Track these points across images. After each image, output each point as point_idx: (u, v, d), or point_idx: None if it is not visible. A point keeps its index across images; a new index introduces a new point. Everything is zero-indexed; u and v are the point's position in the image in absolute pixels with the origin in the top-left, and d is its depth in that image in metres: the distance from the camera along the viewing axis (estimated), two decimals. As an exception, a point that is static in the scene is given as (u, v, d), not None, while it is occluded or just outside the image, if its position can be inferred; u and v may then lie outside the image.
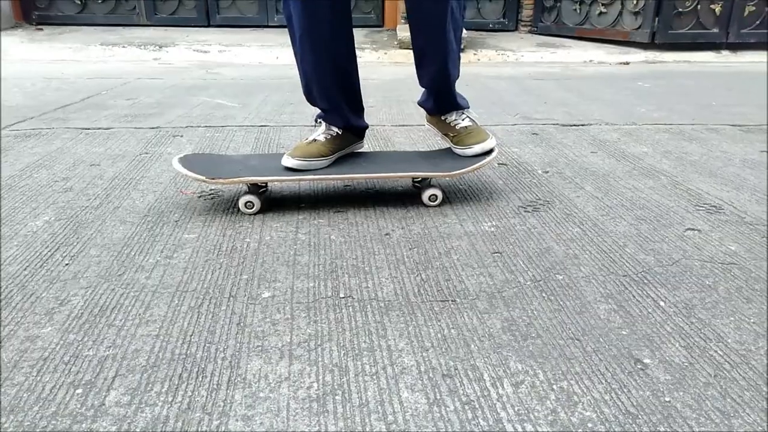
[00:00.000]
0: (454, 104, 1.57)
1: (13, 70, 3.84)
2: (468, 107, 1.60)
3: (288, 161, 1.47)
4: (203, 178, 1.42)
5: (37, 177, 1.70)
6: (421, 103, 1.63)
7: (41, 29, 5.14)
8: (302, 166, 1.47)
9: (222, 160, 1.59)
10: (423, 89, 1.59)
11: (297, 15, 1.38)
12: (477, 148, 1.54)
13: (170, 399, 0.81)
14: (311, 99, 1.53)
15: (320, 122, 1.55)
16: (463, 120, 1.58)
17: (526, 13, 5.54)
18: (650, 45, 4.76)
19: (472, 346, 0.93)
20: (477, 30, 5.46)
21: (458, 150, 1.58)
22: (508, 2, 5.53)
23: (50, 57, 4.40)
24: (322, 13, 1.38)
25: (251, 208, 1.44)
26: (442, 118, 1.60)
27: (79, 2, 5.29)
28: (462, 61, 4.82)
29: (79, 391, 0.82)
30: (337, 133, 1.53)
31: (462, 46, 4.63)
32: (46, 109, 2.65)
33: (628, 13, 4.80)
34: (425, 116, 1.68)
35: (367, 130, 1.63)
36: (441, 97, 1.57)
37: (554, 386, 0.84)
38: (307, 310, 1.03)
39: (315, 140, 1.51)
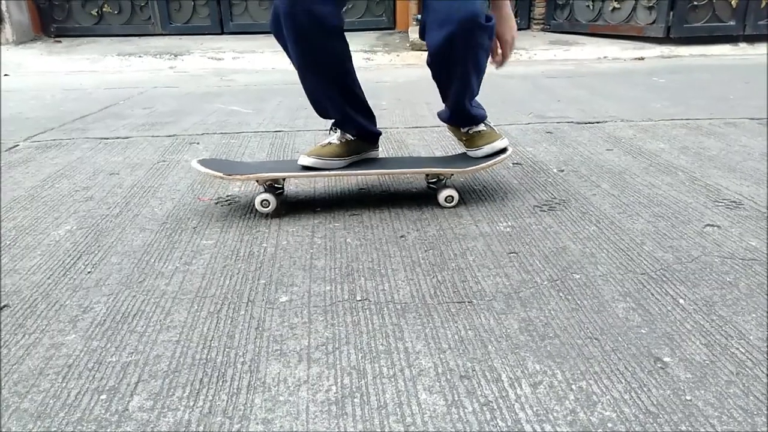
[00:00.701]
0: (469, 121, 1.58)
1: (32, 82, 3.93)
2: (485, 118, 1.61)
3: (305, 160, 1.49)
4: (221, 174, 1.45)
5: (59, 187, 1.74)
6: (438, 114, 1.66)
7: (59, 41, 5.24)
8: (319, 164, 1.49)
9: (239, 164, 1.62)
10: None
11: (294, 52, 1.39)
12: (486, 149, 1.55)
13: (192, 403, 0.82)
14: (323, 113, 1.55)
15: (335, 129, 1.56)
16: (477, 125, 1.58)
17: (539, 11, 5.50)
18: (665, 39, 4.70)
19: (490, 347, 0.93)
20: (489, 29, 5.43)
21: (470, 152, 1.59)
22: (519, 0, 5.50)
23: (68, 68, 4.49)
24: (317, 50, 1.38)
25: (267, 207, 1.46)
26: None
27: (96, 14, 5.39)
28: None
29: (104, 396, 0.84)
30: (351, 138, 1.54)
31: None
32: (66, 119, 2.71)
33: (642, 8, 4.75)
34: None
35: (380, 137, 1.64)
36: (457, 117, 1.58)
37: (573, 386, 0.83)
38: (324, 313, 1.04)
39: (330, 143, 1.53)
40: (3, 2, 4.88)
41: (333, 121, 1.58)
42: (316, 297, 1.09)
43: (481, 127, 1.58)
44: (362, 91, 1.55)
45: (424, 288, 1.12)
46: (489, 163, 1.53)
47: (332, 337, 0.97)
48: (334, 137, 1.55)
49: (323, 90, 1.48)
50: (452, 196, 1.50)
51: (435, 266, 1.20)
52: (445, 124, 1.68)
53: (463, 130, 1.60)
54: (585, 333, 0.96)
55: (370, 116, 1.59)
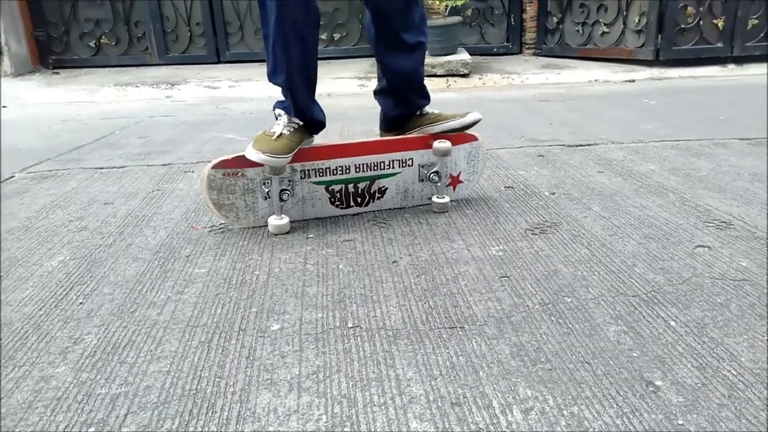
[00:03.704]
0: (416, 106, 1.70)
1: (30, 113, 3.96)
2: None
3: (256, 155, 1.46)
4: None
5: (53, 217, 1.74)
6: (385, 126, 1.75)
7: (58, 73, 5.30)
8: (272, 162, 1.46)
9: None
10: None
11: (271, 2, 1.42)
12: (446, 125, 1.66)
13: (181, 435, 0.81)
14: (275, 78, 1.53)
15: (283, 114, 1.55)
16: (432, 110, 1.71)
17: (530, 35, 5.59)
18: (655, 62, 4.77)
19: (481, 373, 0.93)
20: (481, 54, 5.51)
21: (438, 126, 1.68)
22: (511, 26, 5.59)
23: (66, 99, 4.53)
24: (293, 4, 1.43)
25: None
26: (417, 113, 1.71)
27: (94, 45, 5.46)
28: (467, 85, 4.79)
29: (92, 429, 0.83)
30: (299, 125, 1.55)
31: (467, 71, 4.69)
32: (62, 150, 2.72)
33: (631, 31, 4.84)
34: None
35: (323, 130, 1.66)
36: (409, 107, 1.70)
37: (564, 412, 0.83)
38: (315, 341, 1.03)
39: (282, 135, 1.50)
40: (2, 35, 4.95)
41: (278, 102, 1.58)
42: (308, 325, 1.09)
43: (436, 110, 1.70)
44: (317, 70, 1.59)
45: (416, 314, 1.11)
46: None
47: (323, 365, 0.96)
48: (282, 126, 1.52)
49: (308, 63, 1.51)
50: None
51: (427, 291, 1.20)
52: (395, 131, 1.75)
53: (419, 114, 1.70)
54: (577, 357, 0.96)
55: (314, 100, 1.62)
